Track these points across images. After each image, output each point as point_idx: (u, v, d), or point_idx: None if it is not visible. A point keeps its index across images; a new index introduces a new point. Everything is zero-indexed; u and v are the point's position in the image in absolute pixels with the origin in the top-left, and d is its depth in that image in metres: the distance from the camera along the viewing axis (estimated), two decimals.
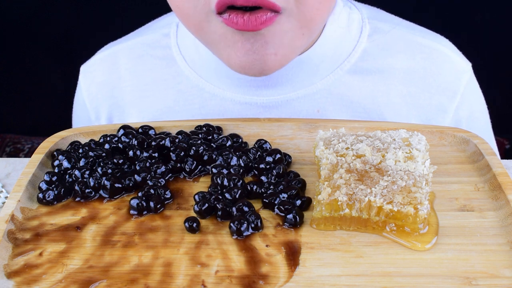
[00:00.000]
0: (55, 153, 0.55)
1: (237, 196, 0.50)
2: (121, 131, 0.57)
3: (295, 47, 0.56)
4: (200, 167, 0.54)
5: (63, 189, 0.51)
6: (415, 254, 0.44)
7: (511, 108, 1.64)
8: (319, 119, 0.60)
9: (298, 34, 0.55)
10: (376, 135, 0.52)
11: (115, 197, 0.51)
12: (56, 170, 0.54)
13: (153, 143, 0.55)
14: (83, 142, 0.57)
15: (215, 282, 0.42)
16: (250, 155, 0.54)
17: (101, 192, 0.51)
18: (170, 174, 0.53)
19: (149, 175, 0.52)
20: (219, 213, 0.48)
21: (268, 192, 0.50)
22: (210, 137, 0.57)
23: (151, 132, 0.58)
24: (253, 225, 0.47)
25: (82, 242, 0.46)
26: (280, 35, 0.54)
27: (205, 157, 0.54)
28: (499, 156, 0.56)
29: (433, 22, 0.90)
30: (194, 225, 0.47)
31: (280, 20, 0.53)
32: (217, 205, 0.48)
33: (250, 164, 0.53)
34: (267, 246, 0.45)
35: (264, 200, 0.49)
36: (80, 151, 0.55)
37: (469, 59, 0.70)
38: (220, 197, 0.49)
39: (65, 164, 0.54)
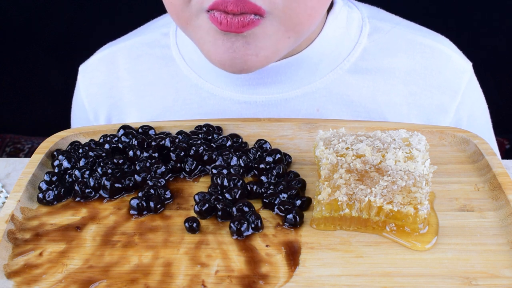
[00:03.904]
0: (55, 153, 0.55)
1: (237, 196, 0.50)
2: (121, 131, 0.57)
3: (278, 49, 0.56)
4: (200, 167, 0.54)
5: (63, 189, 0.51)
6: (415, 254, 0.44)
7: (511, 108, 1.64)
8: (319, 119, 0.60)
9: (283, 38, 0.55)
10: (376, 135, 0.52)
11: (115, 197, 0.51)
12: (56, 170, 0.54)
13: (153, 143, 0.55)
14: (83, 142, 0.57)
15: (215, 282, 0.42)
16: (250, 155, 0.54)
17: (101, 192, 0.51)
18: (170, 174, 0.53)
19: (149, 175, 0.52)
20: (219, 213, 0.48)
21: (268, 192, 0.50)
22: (210, 137, 0.57)
23: (151, 132, 0.58)
24: (253, 225, 0.47)
25: (82, 242, 0.46)
26: (262, 38, 0.54)
27: (205, 157, 0.54)
28: (499, 156, 0.56)
29: (433, 22, 0.90)
30: (194, 225, 0.47)
31: (264, 24, 0.53)
32: (217, 205, 0.48)
33: (250, 164, 0.53)
34: (267, 246, 0.45)
35: (264, 200, 0.49)
36: (80, 151, 0.55)
37: (469, 59, 0.70)
38: (220, 197, 0.49)
39: (65, 164, 0.54)
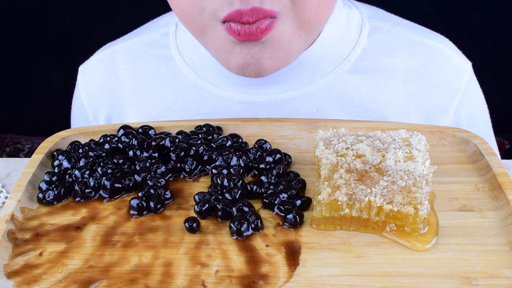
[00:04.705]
0: (55, 153, 0.55)
1: (237, 196, 0.50)
2: (121, 131, 0.57)
3: (292, 50, 0.57)
4: (200, 167, 0.54)
5: (63, 189, 0.51)
6: (415, 254, 0.44)
7: (511, 108, 1.64)
8: (319, 119, 0.60)
9: (295, 36, 0.56)
10: (376, 135, 0.52)
11: (115, 197, 0.51)
12: (56, 170, 0.54)
13: (153, 143, 0.55)
14: (83, 142, 0.57)
15: (215, 282, 0.42)
16: (250, 155, 0.54)
17: (101, 192, 0.51)
18: (170, 174, 0.53)
19: (149, 175, 0.52)
20: (219, 213, 0.48)
21: (268, 192, 0.50)
22: (210, 137, 0.57)
23: (151, 132, 0.58)
24: (253, 225, 0.47)
25: (82, 242, 0.46)
26: (277, 38, 0.55)
27: (205, 157, 0.54)
28: (499, 156, 0.56)
29: (433, 22, 0.90)
30: (194, 225, 0.47)
31: (278, 25, 0.54)
32: (217, 205, 0.48)
33: (250, 164, 0.53)
34: (267, 246, 0.45)
35: (264, 200, 0.49)
36: (80, 151, 0.55)
37: (469, 59, 0.70)
38: (220, 197, 0.49)
39: (65, 164, 0.54)
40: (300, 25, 0.55)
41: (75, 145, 0.56)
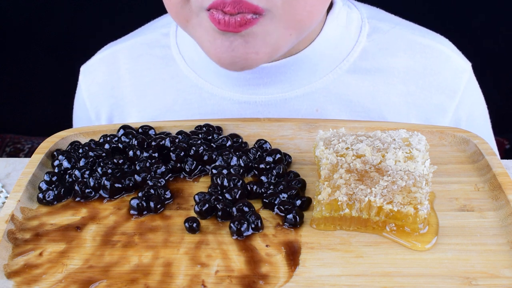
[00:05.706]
0: (55, 153, 0.55)
1: (237, 196, 0.50)
2: (121, 131, 0.57)
3: (280, 46, 0.56)
4: (200, 167, 0.54)
5: (63, 189, 0.51)
6: (415, 254, 0.44)
7: (511, 108, 1.64)
8: (319, 119, 0.60)
9: (284, 35, 0.55)
10: (376, 135, 0.52)
11: (115, 197, 0.51)
12: (56, 170, 0.54)
13: (153, 143, 0.55)
14: (83, 142, 0.57)
15: (215, 282, 0.42)
16: (250, 155, 0.54)
17: (101, 192, 0.51)
18: (170, 174, 0.53)
19: (149, 175, 0.52)
20: (219, 213, 0.48)
21: (268, 192, 0.50)
22: (210, 137, 0.57)
23: (151, 132, 0.58)
24: (253, 225, 0.47)
25: (82, 242, 0.46)
26: (262, 36, 0.54)
27: (205, 157, 0.54)
28: (499, 156, 0.56)
29: (433, 22, 0.90)
30: (194, 225, 0.47)
31: (263, 22, 0.53)
32: (217, 205, 0.48)
33: (250, 164, 0.53)
34: (267, 246, 0.45)
35: (264, 200, 0.49)
36: (80, 151, 0.55)
37: (469, 59, 0.70)
38: (220, 197, 0.49)
39: (65, 164, 0.54)
40: (291, 24, 0.55)
41: (75, 145, 0.56)
